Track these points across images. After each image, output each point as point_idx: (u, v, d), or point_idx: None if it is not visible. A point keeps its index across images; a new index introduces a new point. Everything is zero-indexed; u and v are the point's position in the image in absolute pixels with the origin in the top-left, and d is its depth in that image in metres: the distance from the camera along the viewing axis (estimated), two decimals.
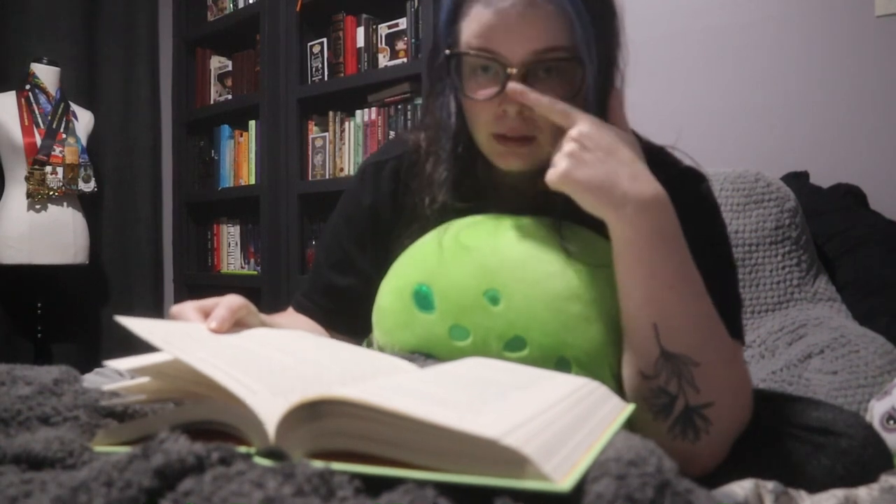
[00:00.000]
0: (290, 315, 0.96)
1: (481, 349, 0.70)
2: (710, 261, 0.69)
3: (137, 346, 0.49)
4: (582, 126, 0.67)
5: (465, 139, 0.82)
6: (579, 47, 0.70)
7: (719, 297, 0.68)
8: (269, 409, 0.41)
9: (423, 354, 0.72)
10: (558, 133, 0.72)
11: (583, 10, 0.69)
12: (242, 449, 0.39)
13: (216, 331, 0.61)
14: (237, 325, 0.66)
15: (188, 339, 0.51)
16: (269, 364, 0.47)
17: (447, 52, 0.76)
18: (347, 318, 0.92)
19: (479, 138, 0.79)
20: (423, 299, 0.75)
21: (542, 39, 0.70)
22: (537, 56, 0.71)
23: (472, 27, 0.73)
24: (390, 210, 0.90)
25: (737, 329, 0.73)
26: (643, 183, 0.65)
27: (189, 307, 0.66)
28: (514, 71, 0.71)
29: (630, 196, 0.64)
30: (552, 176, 0.67)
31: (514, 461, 0.35)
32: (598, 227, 0.71)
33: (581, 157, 0.65)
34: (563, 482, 0.35)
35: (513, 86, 0.69)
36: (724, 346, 0.67)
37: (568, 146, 0.66)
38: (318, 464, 0.36)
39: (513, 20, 0.70)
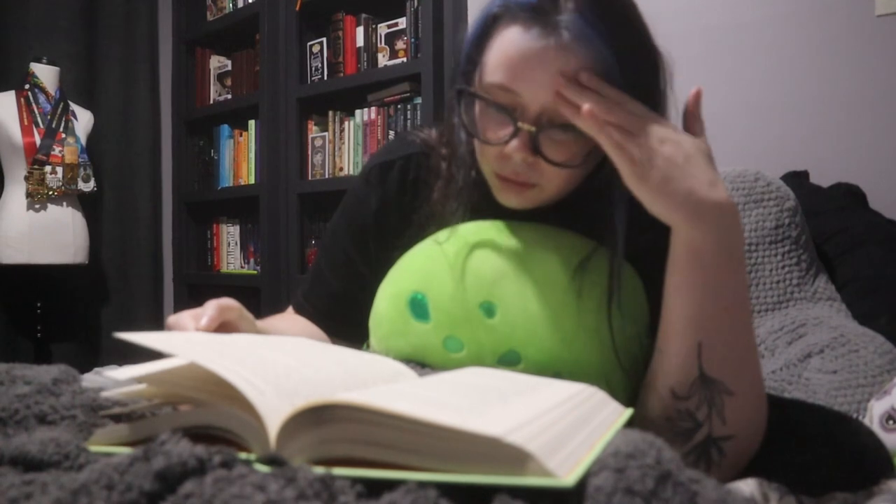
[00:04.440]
0: (290, 317, 0.96)
1: (476, 361, 0.68)
2: None
3: (137, 346, 0.49)
4: (659, 129, 0.62)
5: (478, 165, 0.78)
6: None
7: None
8: (274, 411, 0.41)
9: (418, 363, 0.70)
10: (567, 181, 0.70)
11: (622, 49, 0.66)
12: (242, 455, 0.38)
13: (204, 328, 0.61)
14: (227, 326, 0.65)
15: (192, 344, 0.51)
16: (276, 367, 0.47)
17: (458, 88, 0.72)
18: (348, 322, 0.90)
19: (482, 168, 0.76)
20: (418, 307, 0.73)
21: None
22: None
23: (497, 55, 0.67)
24: (397, 214, 0.87)
25: None
26: (721, 191, 0.60)
27: (185, 316, 0.65)
28: (528, 127, 0.67)
29: (708, 203, 0.59)
30: (626, 178, 0.61)
31: (517, 459, 0.35)
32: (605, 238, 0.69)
33: (656, 160, 0.60)
34: (567, 478, 0.35)
35: (588, 108, 0.61)
36: (758, 381, 0.65)
37: (644, 149, 0.61)
38: (320, 470, 0.36)
39: (539, 61, 0.64)
